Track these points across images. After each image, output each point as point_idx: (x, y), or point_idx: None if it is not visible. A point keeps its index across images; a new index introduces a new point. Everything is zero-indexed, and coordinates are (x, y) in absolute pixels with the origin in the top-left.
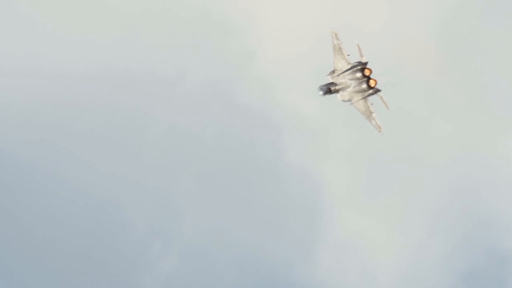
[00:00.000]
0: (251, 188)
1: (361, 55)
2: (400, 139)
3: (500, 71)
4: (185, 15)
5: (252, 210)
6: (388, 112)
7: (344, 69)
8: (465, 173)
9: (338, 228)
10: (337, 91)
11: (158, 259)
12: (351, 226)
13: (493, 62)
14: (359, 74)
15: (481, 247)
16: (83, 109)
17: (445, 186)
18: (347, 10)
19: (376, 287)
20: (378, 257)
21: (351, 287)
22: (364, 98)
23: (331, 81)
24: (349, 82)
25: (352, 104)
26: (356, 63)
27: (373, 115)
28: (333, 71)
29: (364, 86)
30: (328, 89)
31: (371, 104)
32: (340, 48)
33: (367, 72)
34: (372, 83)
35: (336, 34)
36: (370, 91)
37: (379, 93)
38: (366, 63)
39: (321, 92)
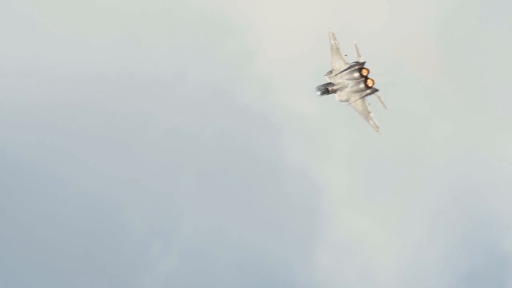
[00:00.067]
0: (251, 188)
1: (359, 55)
2: (400, 140)
3: (500, 71)
4: (184, 15)
5: (251, 211)
6: (388, 112)
7: (342, 69)
8: (465, 173)
9: (337, 229)
10: (334, 91)
11: (158, 259)
12: (350, 227)
13: (493, 62)
14: (356, 74)
15: (481, 247)
16: (82, 110)
17: (445, 187)
18: (346, 10)
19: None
20: (378, 257)
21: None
22: (362, 98)
23: (328, 81)
24: (347, 82)
25: (349, 104)
26: (354, 63)
27: (371, 115)
28: (331, 71)
29: (362, 86)
30: (326, 89)
31: (369, 104)
32: (337, 48)
33: (364, 72)
34: (369, 83)
35: (333, 34)
36: (368, 91)
37: (376, 93)
38: (363, 63)
39: (319, 92)
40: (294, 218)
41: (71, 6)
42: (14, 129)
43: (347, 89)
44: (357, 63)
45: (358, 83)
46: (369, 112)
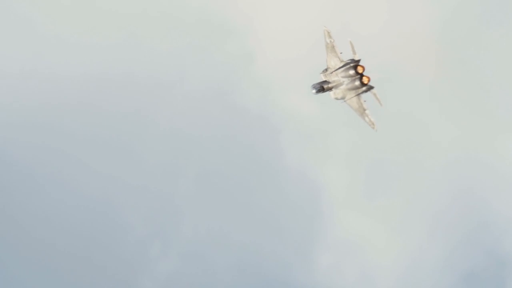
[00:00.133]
0: (250, 189)
1: (354, 53)
2: (400, 140)
3: (501, 72)
4: (184, 17)
5: (251, 212)
6: (388, 113)
7: (337, 67)
8: (465, 174)
9: (337, 230)
10: (330, 89)
11: (158, 260)
12: (350, 228)
13: (494, 62)
14: (352, 72)
15: (480, 248)
16: (82, 111)
17: (445, 187)
18: (346, 11)
19: None
20: (378, 257)
21: None
22: (358, 95)
23: (324, 79)
24: (342, 79)
25: (345, 101)
26: (349, 61)
27: (367, 112)
28: (326, 69)
29: (357, 83)
30: (321, 87)
31: (365, 101)
32: (333, 46)
33: (360, 69)
34: (365, 80)
35: (328, 32)
36: (363, 88)
37: (372, 90)
38: (359, 61)
39: (314, 91)
40: (293, 218)
41: (70, 8)
42: (14, 130)
43: (343, 87)
44: (353, 60)
45: (354, 80)
46: (364, 110)
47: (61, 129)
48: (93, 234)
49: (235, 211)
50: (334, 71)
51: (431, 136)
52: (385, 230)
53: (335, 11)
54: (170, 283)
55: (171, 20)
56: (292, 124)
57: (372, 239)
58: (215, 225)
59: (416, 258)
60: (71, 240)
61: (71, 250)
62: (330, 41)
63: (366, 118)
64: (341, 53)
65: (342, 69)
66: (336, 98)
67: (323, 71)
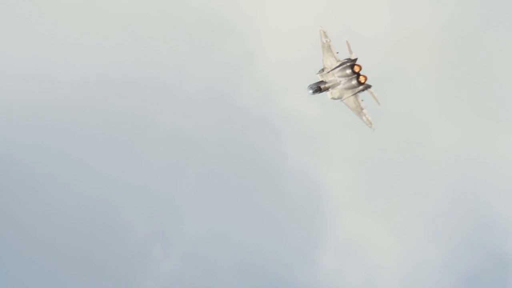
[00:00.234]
0: (251, 190)
1: (351, 52)
2: (401, 142)
3: (503, 73)
4: (184, 17)
5: (252, 212)
6: (390, 113)
7: (333, 66)
8: (467, 175)
9: (339, 231)
10: (327, 89)
11: (159, 262)
12: (352, 229)
13: (496, 63)
14: (348, 71)
15: (483, 250)
16: (82, 112)
17: (447, 189)
18: (347, 12)
19: None
20: (379, 259)
21: None
22: (354, 94)
23: (320, 79)
24: (339, 79)
25: (342, 101)
26: (346, 60)
27: (364, 111)
28: (322, 69)
29: (354, 82)
30: (318, 88)
31: (362, 100)
32: (329, 46)
33: (356, 69)
34: (362, 79)
35: (324, 32)
36: (360, 87)
37: (369, 89)
38: (355, 60)
39: (311, 91)
40: (295, 220)
41: (71, 9)
42: (15, 132)
43: (340, 87)
44: (349, 60)
45: (351, 79)
46: (362, 109)
47: (61, 130)
48: (94, 235)
49: (236, 212)
50: (331, 70)
51: (433, 137)
52: (386, 231)
53: (336, 12)
54: (171, 284)
55: (171, 21)
56: (293, 125)
57: (373, 240)
58: (216, 226)
59: (418, 259)
60: (71, 241)
61: (71, 250)
62: (326, 40)
63: (364, 118)
64: (337, 52)
65: (339, 68)
66: (333, 98)
67: (319, 71)
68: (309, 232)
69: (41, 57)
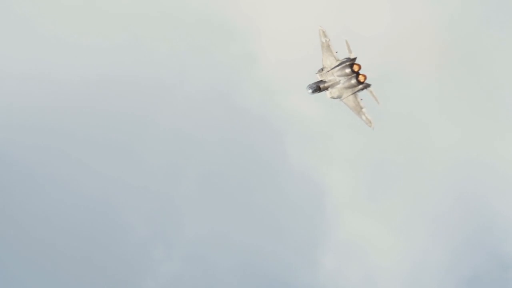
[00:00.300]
0: (253, 190)
1: (350, 51)
2: (403, 142)
3: (502, 73)
4: (186, 18)
5: (253, 213)
6: (391, 114)
7: (333, 66)
8: (468, 176)
9: (341, 232)
10: (326, 88)
11: (160, 262)
12: (354, 230)
13: (497, 63)
14: (348, 70)
15: (484, 250)
16: (82, 112)
17: (447, 189)
18: (348, 12)
19: None
20: (380, 260)
21: None
22: (354, 93)
23: (319, 79)
24: (338, 78)
25: (341, 100)
26: (345, 59)
27: (363, 110)
28: (322, 69)
29: (354, 81)
30: (317, 87)
31: (361, 99)
32: (328, 46)
33: (356, 68)
34: (361, 78)
35: (323, 32)
36: (360, 86)
37: (369, 88)
38: (354, 59)
39: (310, 91)
40: (297, 220)
41: (71, 9)
42: (15, 132)
43: (339, 86)
44: (348, 59)
45: (350, 79)
46: (361, 108)
47: (62, 130)
48: (94, 235)
49: (237, 212)
50: (330, 70)
51: (433, 137)
52: (387, 231)
53: (336, 12)
54: (171, 284)
55: (172, 21)
56: (293, 125)
57: (375, 241)
58: (217, 226)
59: (418, 259)
60: (71, 241)
61: (71, 250)
62: (326, 40)
63: (363, 117)
64: (337, 52)
65: (338, 68)
66: (332, 97)
67: (318, 70)
68: (310, 232)
69: (41, 57)
